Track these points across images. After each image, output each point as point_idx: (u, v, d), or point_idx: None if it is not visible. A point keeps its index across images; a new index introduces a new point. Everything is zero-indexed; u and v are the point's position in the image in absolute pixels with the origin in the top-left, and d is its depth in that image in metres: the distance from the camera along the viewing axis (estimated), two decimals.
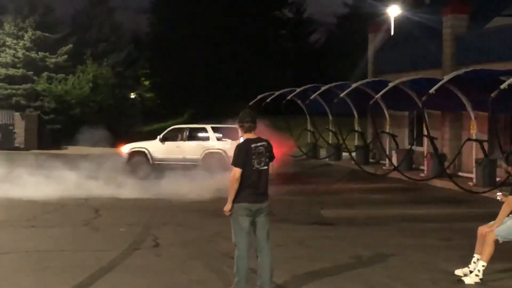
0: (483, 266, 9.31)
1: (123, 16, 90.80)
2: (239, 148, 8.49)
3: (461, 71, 21.13)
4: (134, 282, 9.29)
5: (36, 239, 12.42)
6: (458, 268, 9.77)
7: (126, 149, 25.26)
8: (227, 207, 8.46)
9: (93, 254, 11.12)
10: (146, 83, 60.77)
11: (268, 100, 35.76)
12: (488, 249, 9.28)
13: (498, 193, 9.77)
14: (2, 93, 44.54)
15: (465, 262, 9.81)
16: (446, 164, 22.65)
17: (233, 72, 52.68)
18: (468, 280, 9.36)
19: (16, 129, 38.51)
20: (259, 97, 36.87)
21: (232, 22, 55.03)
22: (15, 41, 46.63)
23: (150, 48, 59.23)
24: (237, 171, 8.37)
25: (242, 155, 8.40)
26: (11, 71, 46.06)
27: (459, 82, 21.20)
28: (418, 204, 18.09)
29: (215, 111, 40.83)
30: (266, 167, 8.53)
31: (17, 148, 37.19)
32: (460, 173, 23.77)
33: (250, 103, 35.78)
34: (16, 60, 46.29)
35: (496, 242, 9.30)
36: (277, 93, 35.90)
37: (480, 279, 9.28)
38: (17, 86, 45.39)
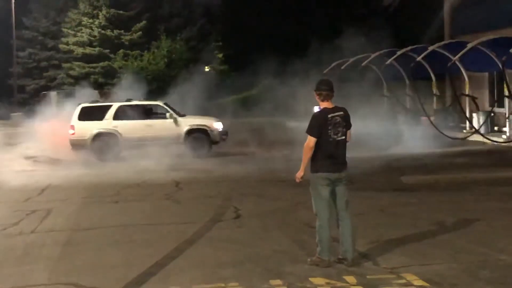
0: None
1: None
2: (315, 117, 8.44)
3: None
4: (217, 254, 9.38)
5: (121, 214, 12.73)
6: None
7: None
8: (299, 173, 8.48)
9: (176, 227, 11.31)
10: (220, 56, 60.97)
11: (343, 67, 35.33)
12: None
13: None
14: (80, 71, 45.52)
15: None
16: None
17: (306, 40, 52.30)
18: None
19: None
20: (333, 64, 36.47)
21: None
22: (90, 20, 47.54)
23: (223, 21, 59.32)
24: (311, 140, 8.33)
25: (318, 125, 8.35)
26: (88, 50, 47.09)
27: None
28: (501, 167, 17.70)
29: (288, 81, 40.69)
30: (343, 137, 8.46)
31: None
32: None
33: (324, 71, 35.44)
34: (92, 38, 47.26)
35: None
36: (351, 59, 35.39)
37: None
38: (94, 64, 46.34)
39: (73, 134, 22.40)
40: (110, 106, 23.11)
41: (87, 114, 22.58)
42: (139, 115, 22.87)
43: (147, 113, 23.38)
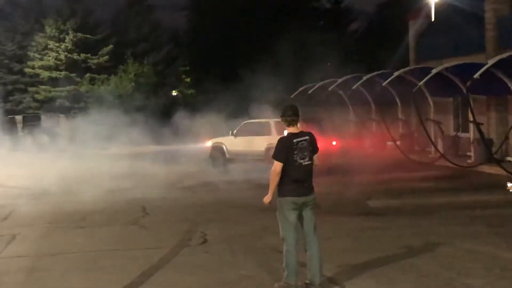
0: None
1: (162, 14, 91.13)
2: (281, 142, 8.49)
3: (505, 54, 20.81)
4: (185, 279, 9.33)
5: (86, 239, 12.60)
6: (510, 254, 9.62)
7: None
8: (267, 198, 8.52)
9: (143, 252, 11.23)
10: (187, 80, 60.96)
11: (309, 92, 35.58)
12: None
13: (509, 184, 9.84)
14: (46, 95, 45.18)
15: None
16: (494, 149, 22.32)
17: (273, 65, 52.56)
18: None
19: (62, 131, 38.97)
20: (300, 89, 36.72)
21: (271, 14, 54.88)
22: (57, 44, 47.29)
23: (189, 45, 59.38)
24: (278, 165, 8.37)
25: (284, 150, 8.40)
26: (54, 74, 46.76)
27: (504, 66, 20.87)
28: (466, 191, 17.87)
29: (256, 106, 40.76)
30: (309, 162, 8.51)
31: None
32: (508, 158, 23.41)
33: (291, 96, 35.64)
34: (58, 62, 46.97)
35: None
36: (318, 84, 35.68)
37: None
38: (60, 88, 46.03)
39: None
40: None
41: None
42: None
43: None
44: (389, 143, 30.53)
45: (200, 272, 9.72)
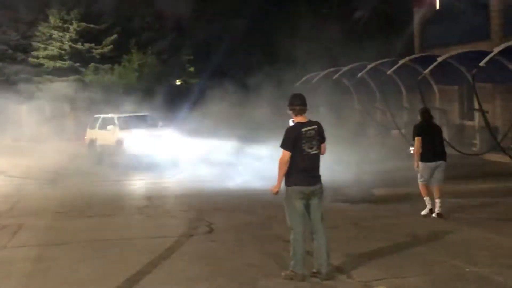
0: None
1: (166, 3, 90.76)
2: (288, 131, 8.48)
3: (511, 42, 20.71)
4: (191, 269, 9.34)
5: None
6: None
7: None
8: (275, 188, 8.52)
9: (149, 241, 11.25)
10: (191, 69, 60.89)
11: (313, 81, 35.48)
12: None
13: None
14: (50, 85, 45.14)
15: None
16: (499, 137, 22.27)
17: (278, 54, 52.43)
18: None
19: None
20: (304, 78, 36.62)
21: (274, 5, 54.72)
22: (61, 34, 47.21)
23: (193, 35, 59.24)
24: (286, 154, 8.36)
25: (292, 139, 8.38)
26: (59, 64, 46.70)
27: (510, 54, 20.79)
28: (472, 179, 17.83)
29: (261, 94, 40.70)
30: (317, 151, 8.50)
31: None
32: None
33: (296, 84, 35.54)
34: (62, 52, 46.90)
35: None
36: (322, 73, 35.56)
37: None
38: (65, 78, 45.97)
39: None
40: None
41: None
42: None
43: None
44: (394, 131, 30.47)
45: (207, 261, 9.73)
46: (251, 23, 54.09)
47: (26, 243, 11.43)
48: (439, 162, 12.70)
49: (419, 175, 12.83)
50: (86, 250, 10.73)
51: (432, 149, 12.60)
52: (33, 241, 11.61)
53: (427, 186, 12.83)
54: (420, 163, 12.65)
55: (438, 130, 12.95)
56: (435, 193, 12.69)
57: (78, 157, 26.00)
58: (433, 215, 12.60)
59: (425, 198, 12.86)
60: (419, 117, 13.03)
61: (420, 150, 12.55)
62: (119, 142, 23.62)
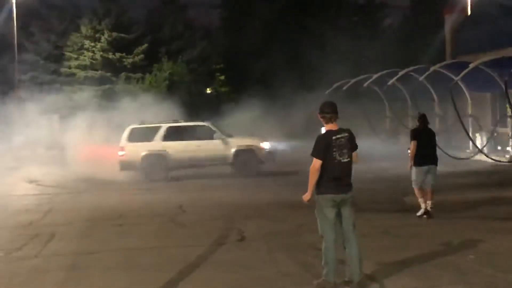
0: None
1: (195, 12, 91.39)
2: (319, 139, 8.45)
3: None
4: (222, 278, 9.33)
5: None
6: None
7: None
8: (307, 196, 8.47)
9: (181, 250, 11.27)
10: (221, 77, 61.08)
11: (344, 88, 35.37)
12: None
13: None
14: (82, 95, 45.55)
15: None
16: None
17: (307, 62, 52.41)
18: None
19: None
20: (335, 85, 36.51)
21: (304, 10, 54.70)
22: (92, 44, 47.69)
23: (222, 43, 59.41)
24: (316, 162, 8.33)
25: (322, 147, 8.35)
26: (90, 73, 47.16)
27: None
28: (505, 187, 17.64)
29: (291, 102, 40.66)
30: (349, 159, 8.45)
31: None
32: None
33: (326, 92, 35.46)
34: (94, 62, 47.36)
35: None
36: (352, 80, 35.45)
37: None
38: (96, 87, 46.40)
39: (122, 155, 22.88)
40: (159, 127, 23.45)
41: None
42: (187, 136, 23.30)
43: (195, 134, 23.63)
44: None
45: (238, 269, 9.72)
46: (282, 32, 54.19)
47: (58, 252, 11.52)
48: (431, 166, 13.40)
49: (413, 181, 13.50)
50: (118, 259, 10.77)
51: (425, 153, 13.29)
52: (65, 249, 11.71)
53: (421, 189, 13.45)
54: (413, 167, 13.39)
55: (432, 136, 13.73)
56: (428, 195, 13.37)
57: (110, 166, 26.14)
58: (424, 216, 13.32)
59: (419, 200, 13.51)
60: (417, 122, 13.85)
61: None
62: (269, 152, 23.41)
